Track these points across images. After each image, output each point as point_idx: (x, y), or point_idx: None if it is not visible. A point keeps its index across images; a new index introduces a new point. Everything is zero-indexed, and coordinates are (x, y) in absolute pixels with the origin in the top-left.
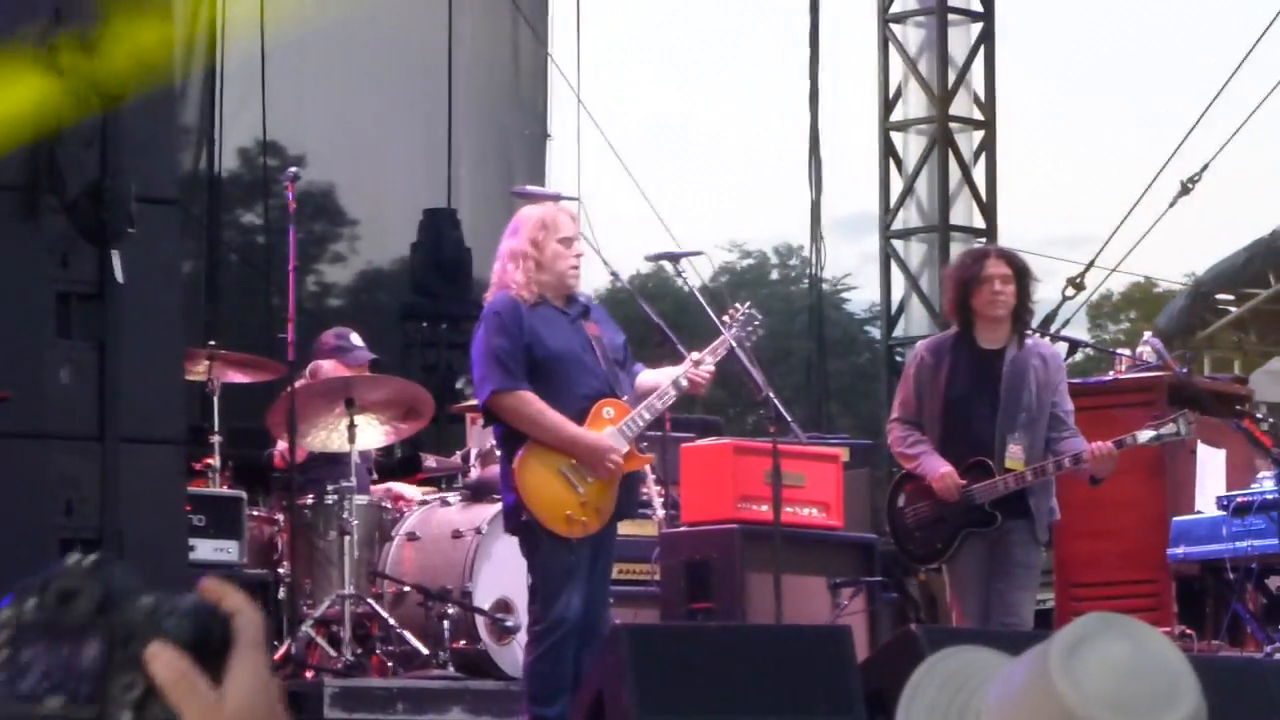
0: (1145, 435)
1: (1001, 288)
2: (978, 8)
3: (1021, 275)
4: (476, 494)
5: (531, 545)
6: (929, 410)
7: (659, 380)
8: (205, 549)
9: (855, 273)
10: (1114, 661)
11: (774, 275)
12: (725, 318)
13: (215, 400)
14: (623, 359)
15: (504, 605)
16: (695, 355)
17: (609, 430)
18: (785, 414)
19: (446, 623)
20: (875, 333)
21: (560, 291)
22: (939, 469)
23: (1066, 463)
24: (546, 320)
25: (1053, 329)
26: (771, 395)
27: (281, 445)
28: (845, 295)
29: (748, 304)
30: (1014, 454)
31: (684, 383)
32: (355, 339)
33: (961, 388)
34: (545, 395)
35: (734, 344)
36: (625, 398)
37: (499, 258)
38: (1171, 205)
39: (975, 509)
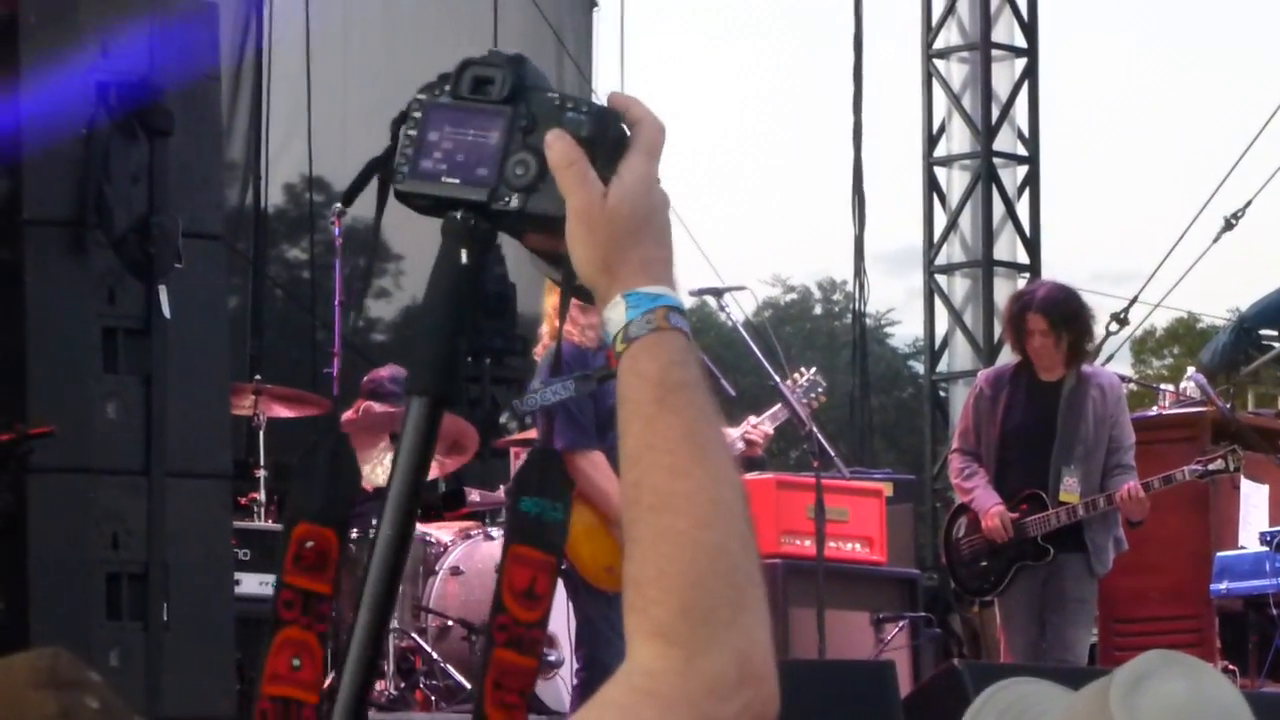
0: (1193, 471)
1: (1042, 342)
2: (1021, 43)
3: (1065, 323)
4: None
5: (571, 592)
6: (986, 441)
7: None
8: (250, 583)
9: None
10: (1174, 700)
11: (817, 310)
12: (789, 382)
13: (260, 435)
14: None
15: (548, 640)
16: (754, 419)
17: None
18: (829, 449)
19: None
20: (919, 368)
21: None
22: (990, 505)
23: (1101, 502)
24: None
25: (1097, 364)
26: (815, 430)
27: None
28: (889, 330)
29: (813, 370)
30: (1069, 486)
31: (740, 445)
32: (389, 376)
33: (1018, 419)
34: (609, 450)
35: (796, 409)
36: None
37: (545, 316)
38: (1215, 241)
39: (1028, 542)
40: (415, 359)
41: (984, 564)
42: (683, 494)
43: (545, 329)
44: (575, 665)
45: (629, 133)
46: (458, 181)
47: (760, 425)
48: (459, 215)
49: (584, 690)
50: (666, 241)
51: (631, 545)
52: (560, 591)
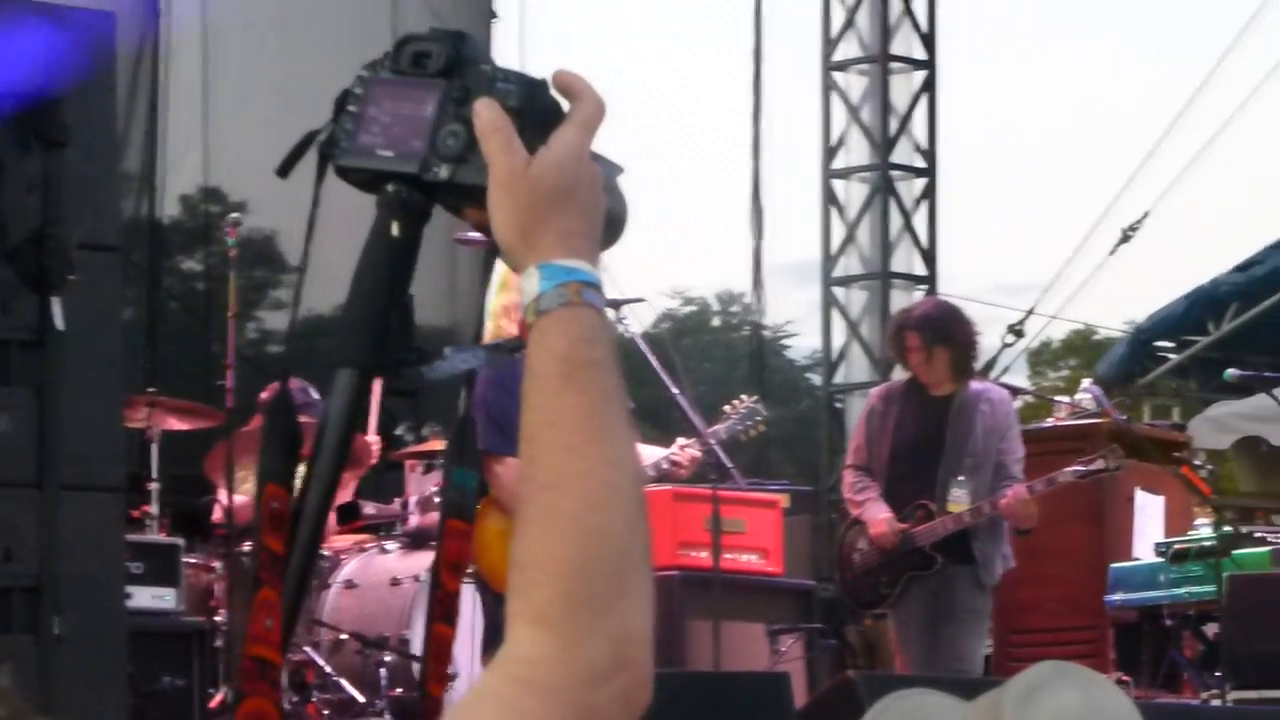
0: (1073, 471)
1: (919, 358)
2: (920, 56)
3: (939, 340)
4: (415, 541)
5: (482, 596)
6: (878, 456)
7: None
8: (143, 596)
9: (798, 320)
10: (1066, 710)
11: (715, 322)
12: (727, 407)
13: (154, 447)
14: None
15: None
16: (683, 441)
17: None
18: (725, 460)
19: (384, 670)
20: (817, 380)
21: None
22: (878, 515)
23: (985, 508)
24: None
25: (992, 375)
26: (712, 442)
27: (223, 496)
28: (787, 342)
29: (755, 398)
30: (957, 498)
31: (665, 466)
32: (314, 393)
33: (909, 434)
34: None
35: (693, 419)
36: None
37: (490, 315)
38: (1112, 253)
39: (917, 552)
40: (345, 329)
41: (874, 576)
42: (574, 475)
43: (490, 327)
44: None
45: (566, 106)
46: (391, 154)
47: (688, 448)
48: (391, 188)
49: None
50: (592, 216)
51: (521, 524)
52: (477, 602)
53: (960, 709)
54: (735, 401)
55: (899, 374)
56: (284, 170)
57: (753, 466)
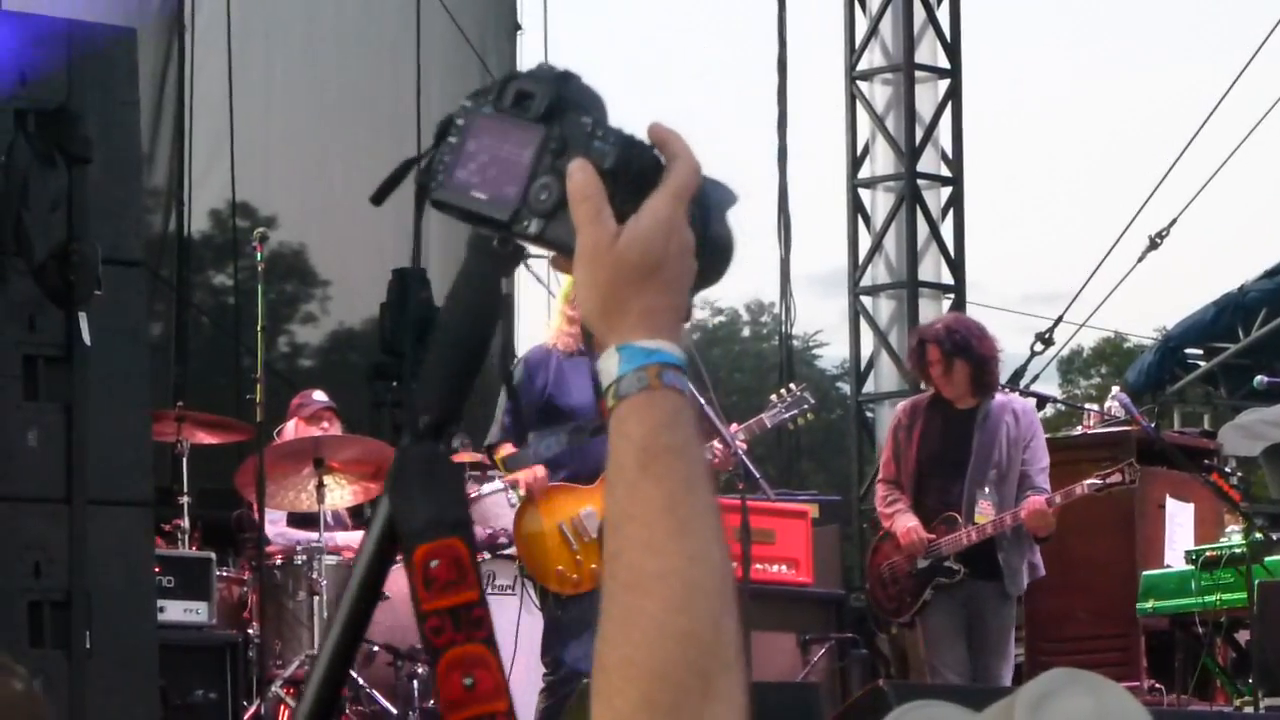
0: (1090, 484)
1: (941, 374)
2: (945, 64)
3: (957, 353)
4: None
5: (538, 595)
6: (904, 469)
7: None
8: (175, 610)
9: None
10: (1079, 717)
11: (745, 332)
12: (774, 396)
13: (184, 462)
14: None
15: None
16: (733, 428)
17: None
18: (753, 470)
19: (416, 682)
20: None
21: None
22: (906, 525)
23: (1008, 519)
24: (579, 370)
25: (1022, 384)
26: (740, 452)
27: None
28: (817, 352)
29: (803, 386)
30: (983, 510)
31: (709, 456)
32: (318, 395)
33: (933, 447)
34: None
35: (724, 433)
36: None
37: (557, 314)
38: (1140, 260)
39: (941, 562)
40: (426, 376)
41: (901, 586)
42: (655, 574)
43: (554, 327)
44: (544, 670)
45: (657, 166)
46: (485, 198)
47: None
48: (483, 233)
49: (550, 691)
50: (677, 291)
51: (604, 624)
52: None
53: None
54: (783, 390)
55: (927, 387)
56: (379, 198)
57: (783, 476)
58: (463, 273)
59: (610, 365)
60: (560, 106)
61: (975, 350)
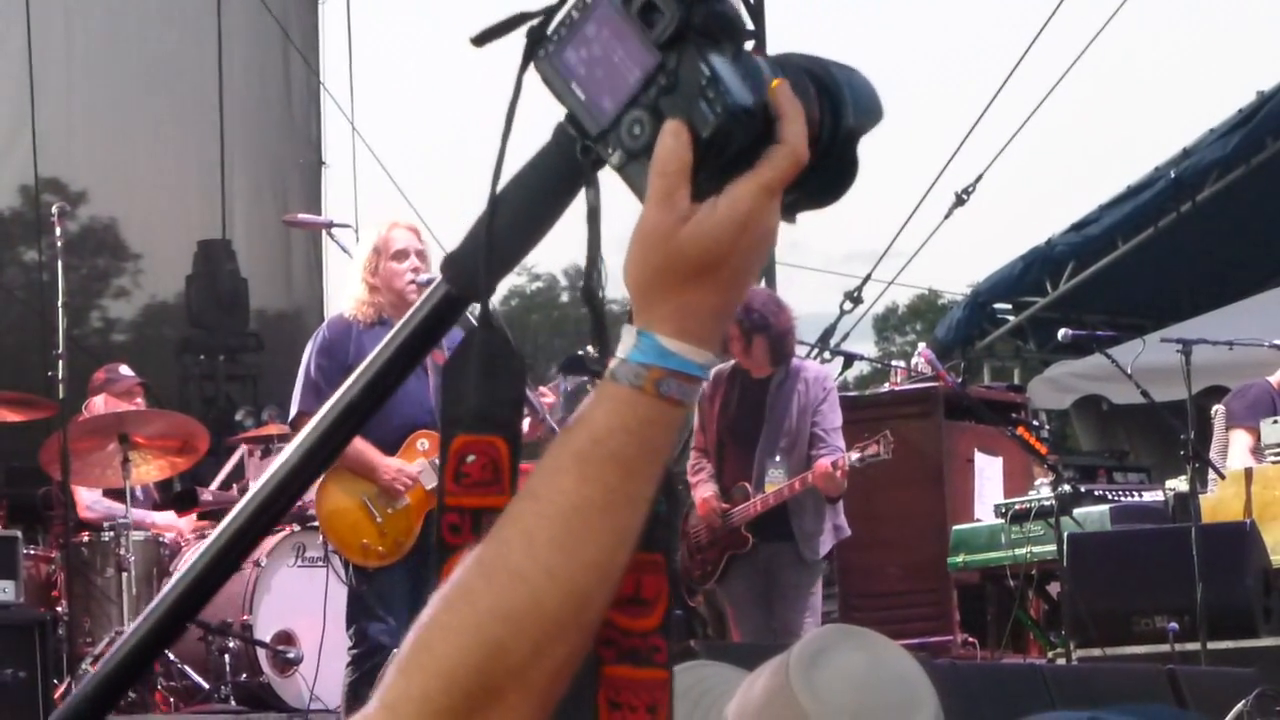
0: (853, 457)
1: (741, 350)
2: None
3: (756, 330)
4: None
5: (343, 568)
6: (709, 439)
7: None
8: None
9: None
10: (853, 671)
11: (564, 298)
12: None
13: None
14: None
15: (285, 637)
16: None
17: (420, 462)
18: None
19: (228, 656)
20: None
21: (402, 310)
22: (703, 495)
23: (796, 485)
24: (376, 340)
25: (832, 342)
26: (549, 419)
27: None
28: None
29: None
30: (774, 478)
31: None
32: (124, 370)
33: (733, 416)
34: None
35: (536, 406)
36: None
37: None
38: (947, 216)
39: (734, 532)
40: (457, 250)
41: (703, 554)
42: (509, 570)
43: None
44: (349, 643)
45: (766, 146)
46: (583, 98)
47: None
48: (570, 130)
49: (353, 666)
50: (731, 293)
51: (437, 595)
52: (297, 587)
53: (740, 677)
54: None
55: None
56: (481, 40)
57: None
58: (539, 155)
59: (626, 342)
60: (684, 35)
61: (773, 326)
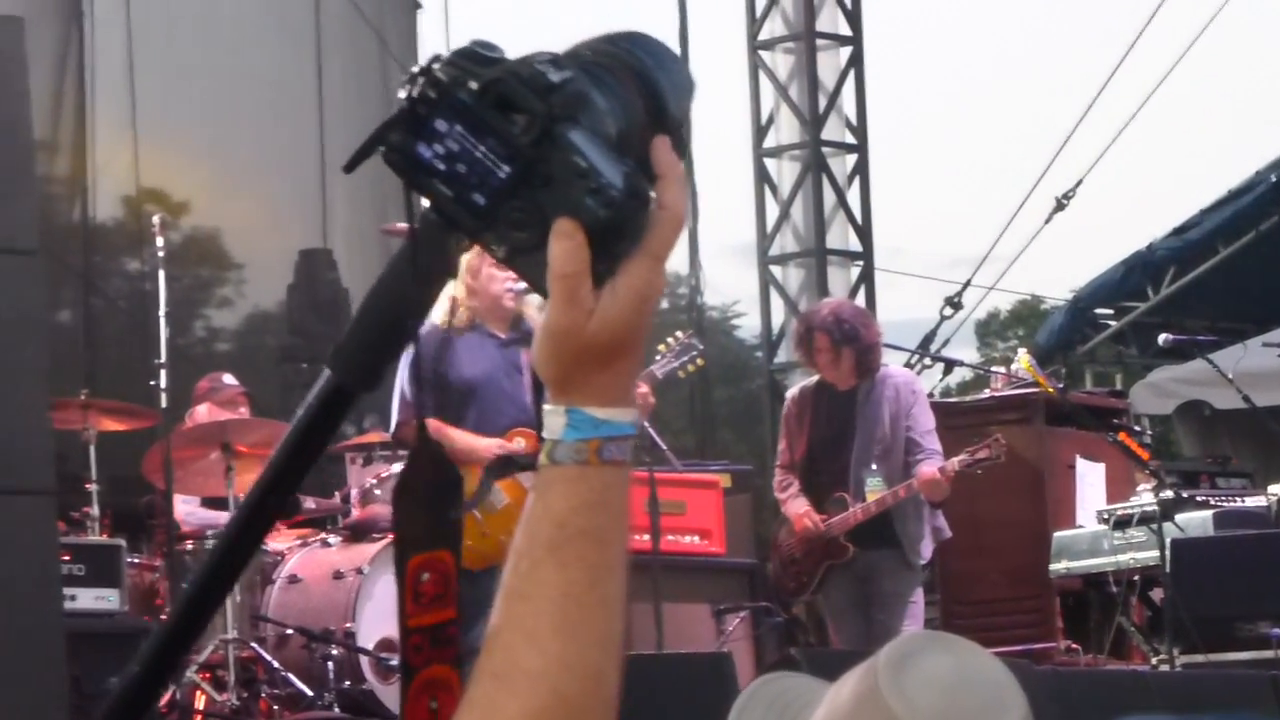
0: (960, 461)
1: (828, 362)
2: (846, 31)
3: (846, 341)
4: (356, 534)
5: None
6: (797, 454)
7: None
8: (86, 598)
9: (745, 300)
10: (941, 675)
11: (663, 305)
12: (662, 346)
13: (91, 449)
14: None
15: (387, 645)
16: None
17: (519, 442)
18: (658, 442)
19: (330, 664)
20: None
21: (497, 315)
22: (798, 509)
23: (901, 492)
24: (470, 346)
25: (933, 348)
26: (645, 423)
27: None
28: (736, 322)
29: (689, 333)
30: (873, 486)
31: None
32: (227, 379)
33: (822, 430)
34: (458, 423)
35: (654, 381)
36: None
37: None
38: (1047, 221)
39: (832, 542)
40: (343, 342)
41: (798, 567)
42: (527, 673)
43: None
44: None
45: (644, 222)
46: (450, 195)
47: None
48: (435, 220)
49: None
50: (638, 357)
51: (464, 702)
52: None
53: (822, 688)
54: (670, 339)
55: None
56: (350, 166)
57: (701, 447)
58: (405, 248)
59: (555, 424)
60: (551, 138)
61: (863, 338)
